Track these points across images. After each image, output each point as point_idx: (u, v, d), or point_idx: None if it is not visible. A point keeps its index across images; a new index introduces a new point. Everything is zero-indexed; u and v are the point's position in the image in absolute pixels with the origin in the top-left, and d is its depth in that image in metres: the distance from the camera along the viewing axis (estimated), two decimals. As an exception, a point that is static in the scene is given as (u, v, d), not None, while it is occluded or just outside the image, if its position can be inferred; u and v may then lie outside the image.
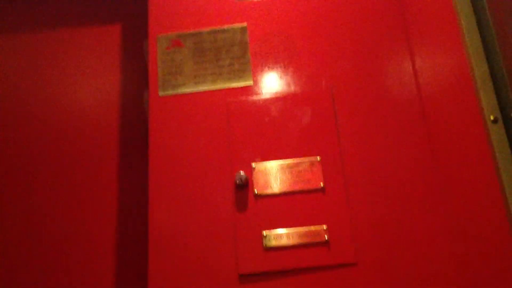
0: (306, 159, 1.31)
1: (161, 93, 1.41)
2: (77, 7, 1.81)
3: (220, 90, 1.41)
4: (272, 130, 1.35)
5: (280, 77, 1.40)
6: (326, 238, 1.23)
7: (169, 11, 1.50)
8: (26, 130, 1.69)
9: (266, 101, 1.38)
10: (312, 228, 1.25)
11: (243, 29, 1.45)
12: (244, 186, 1.29)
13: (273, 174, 1.30)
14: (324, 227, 1.24)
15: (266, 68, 1.41)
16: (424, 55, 1.33)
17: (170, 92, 1.41)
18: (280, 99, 1.38)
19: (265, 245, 1.24)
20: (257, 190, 1.29)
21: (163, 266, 1.25)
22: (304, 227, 1.25)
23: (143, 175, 1.45)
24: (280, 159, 1.32)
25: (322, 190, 1.28)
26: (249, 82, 1.40)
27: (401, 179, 1.28)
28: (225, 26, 1.46)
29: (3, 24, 1.80)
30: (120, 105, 1.69)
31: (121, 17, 1.78)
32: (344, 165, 1.30)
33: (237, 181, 1.28)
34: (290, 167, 1.30)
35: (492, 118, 1.00)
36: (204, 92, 1.41)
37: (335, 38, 1.43)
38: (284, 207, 1.28)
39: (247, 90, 1.40)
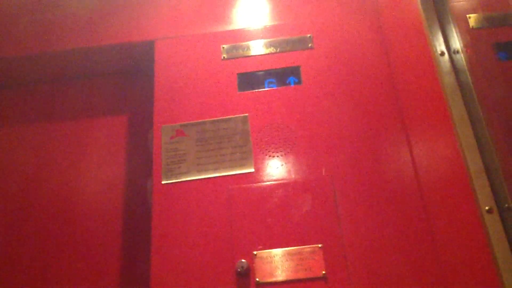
0: (307, 247, 1.31)
1: (164, 181, 1.45)
2: (87, 100, 1.90)
3: (222, 177, 1.44)
4: (273, 218, 1.36)
5: (281, 165, 1.44)
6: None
7: (173, 103, 1.58)
8: (34, 214, 1.71)
9: (267, 188, 1.41)
10: (315, 318, 1.23)
11: (245, 119, 1.52)
12: (245, 274, 1.29)
13: (275, 262, 1.30)
14: (327, 317, 1.23)
15: (267, 156, 1.46)
16: (421, 144, 1.38)
17: (173, 180, 1.44)
18: (281, 186, 1.41)
19: (268, 337, 1.21)
20: (258, 278, 1.28)
21: None
22: (306, 318, 1.23)
23: (145, 261, 1.45)
24: (282, 246, 1.32)
25: (324, 278, 1.27)
26: (251, 170, 1.44)
27: (402, 265, 1.27)
28: (227, 116, 1.53)
29: (19, 116, 1.89)
30: (125, 192, 1.72)
31: (128, 109, 1.86)
32: (346, 252, 1.30)
33: (238, 269, 1.27)
34: (291, 254, 1.30)
35: (487, 208, 1.02)
36: (206, 179, 1.44)
37: (334, 127, 1.49)
38: (286, 296, 1.27)
39: (248, 177, 1.43)
